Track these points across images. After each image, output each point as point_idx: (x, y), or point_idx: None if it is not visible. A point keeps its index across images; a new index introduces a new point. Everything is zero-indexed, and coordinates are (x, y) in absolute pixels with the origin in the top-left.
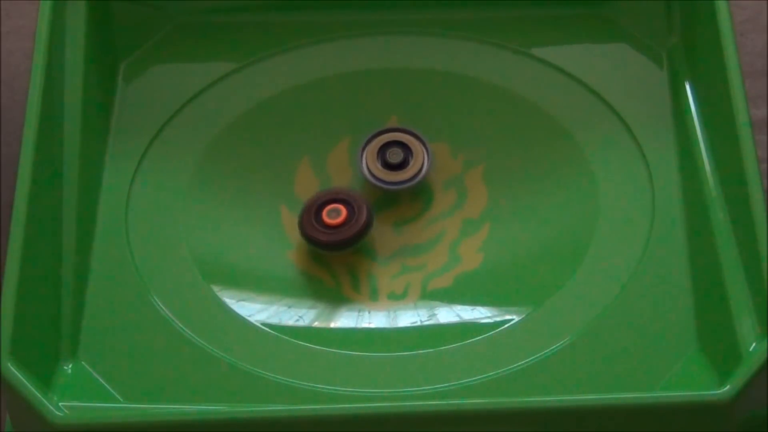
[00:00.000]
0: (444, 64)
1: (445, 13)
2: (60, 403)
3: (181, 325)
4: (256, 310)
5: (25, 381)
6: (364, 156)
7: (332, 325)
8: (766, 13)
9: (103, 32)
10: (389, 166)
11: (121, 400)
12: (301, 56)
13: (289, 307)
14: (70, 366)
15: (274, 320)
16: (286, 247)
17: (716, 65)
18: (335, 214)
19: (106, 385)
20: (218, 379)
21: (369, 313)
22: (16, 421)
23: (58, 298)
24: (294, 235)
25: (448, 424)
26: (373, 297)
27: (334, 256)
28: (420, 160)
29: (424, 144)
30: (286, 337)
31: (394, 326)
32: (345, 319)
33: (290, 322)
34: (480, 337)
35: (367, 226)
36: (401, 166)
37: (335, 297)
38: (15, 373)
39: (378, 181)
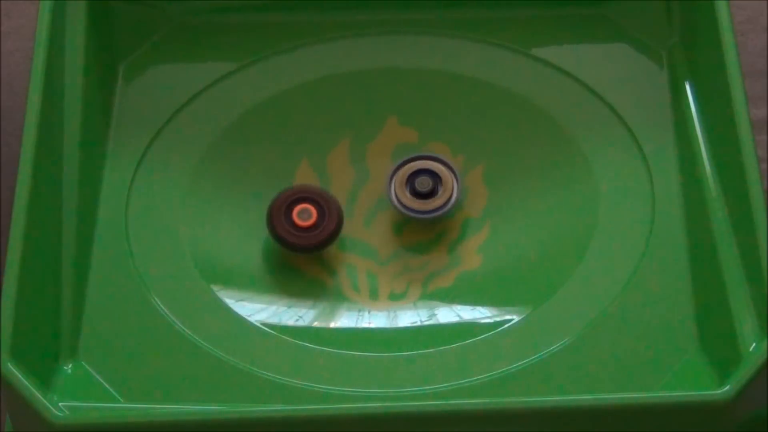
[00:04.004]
0: (444, 64)
1: (445, 13)
2: (60, 403)
3: (181, 325)
4: (256, 310)
5: (25, 381)
6: (393, 185)
7: (332, 325)
8: (766, 13)
9: (102, 32)
10: (418, 195)
11: (121, 400)
12: (300, 56)
13: (289, 307)
14: (70, 366)
15: (274, 320)
16: None
17: (716, 65)
18: (306, 216)
19: (106, 385)
20: (218, 379)
21: (369, 313)
22: (16, 421)
23: (58, 298)
24: None
25: (448, 424)
26: (373, 297)
27: (333, 255)
28: (449, 188)
29: (453, 172)
30: (286, 337)
31: (394, 326)
32: (345, 319)
33: (290, 322)
34: (480, 337)
35: (338, 227)
36: (430, 194)
37: (335, 297)
38: (15, 373)
39: (407, 209)
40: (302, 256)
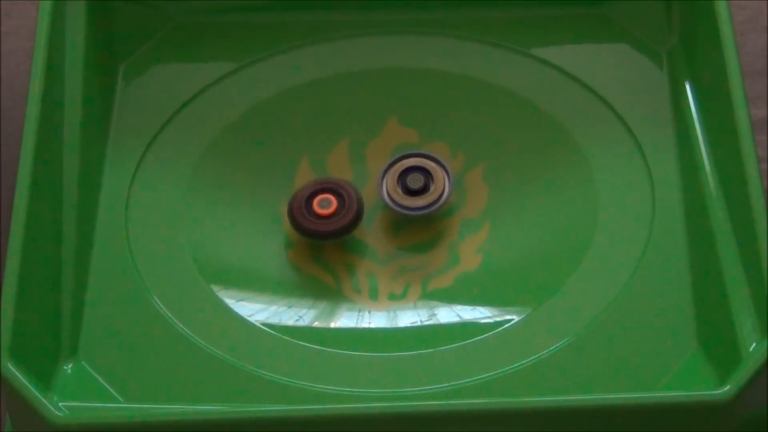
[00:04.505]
0: (444, 64)
1: (445, 13)
2: (60, 403)
3: (181, 325)
4: (256, 310)
5: (25, 381)
6: (385, 181)
7: (332, 325)
8: (766, 13)
9: (102, 32)
10: (410, 192)
11: (121, 400)
12: (301, 56)
13: (289, 307)
14: (70, 366)
15: (274, 320)
16: (287, 247)
17: (716, 65)
18: (326, 204)
19: (106, 385)
20: (218, 379)
21: (369, 313)
22: (16, 421)
23: (58, 298)
24: (294, 234)
25: (448, 424)
26: (373, 297)
27: (333, 255)
28: (441, 186)
29: (445, 169)
30: (286, 337)
31: (394, 326)
32: (345, 319)
33: (290, 322)
34: (480, 337)
35: (359, 214)
36: (422, 191)
37: (335, 297)
38: (15, 373)
39: (398, 206)
40: (302, 254)
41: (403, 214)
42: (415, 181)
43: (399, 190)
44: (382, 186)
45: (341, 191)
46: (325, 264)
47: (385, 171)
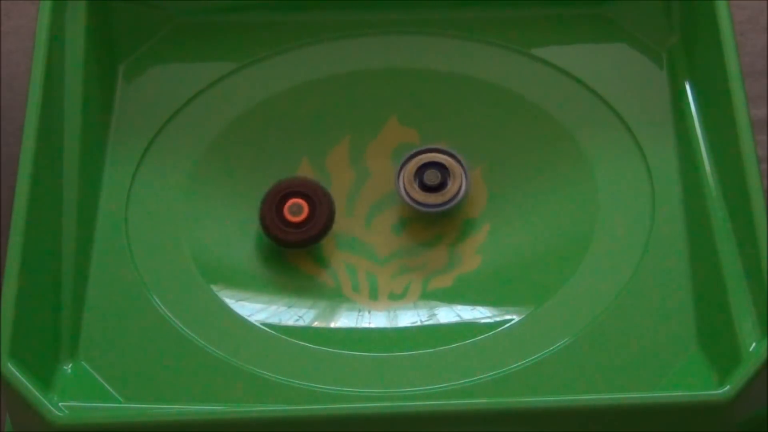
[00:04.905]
0: (444, 64)
1: (445, 13)
2: (60, 403)
3: (181, 325)
4: (256, 310)
5: (25, 381)
6: (402, 177)
7: (332, 325)
8: (766, 13)
9: (102, 32)
10: (427, 188)
11: (121, 400)
12: (301, 56)
13: (289, 307)
14: (70, 366)
15: (274, 320)
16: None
17: (716, 65)
18: (297, 210)
19: (106, 385)
20: (218, 379)
21: (369, 313)
22: (16, 421)
23: (58, 298)
24: None
25: (448, 424)
26: (373, 297)
27: (333, 255)
28: (458, 182)
29: (462, 166)
30: (286, 337)
31: (394, 326)
32: (345, 319)
33: (290, 322)
34: (480, 337)
35: (330, 218)
36: (439, 188)
37: (335, 297)
38: (15, 373)
39: (415, 202)
40: (301, 254)
41: (422, 211)
42: (432, 177)
43: (416, 187)
44: (399, 182)
45: (310, 193)
46: (325, 264)
47: (401, 170)
